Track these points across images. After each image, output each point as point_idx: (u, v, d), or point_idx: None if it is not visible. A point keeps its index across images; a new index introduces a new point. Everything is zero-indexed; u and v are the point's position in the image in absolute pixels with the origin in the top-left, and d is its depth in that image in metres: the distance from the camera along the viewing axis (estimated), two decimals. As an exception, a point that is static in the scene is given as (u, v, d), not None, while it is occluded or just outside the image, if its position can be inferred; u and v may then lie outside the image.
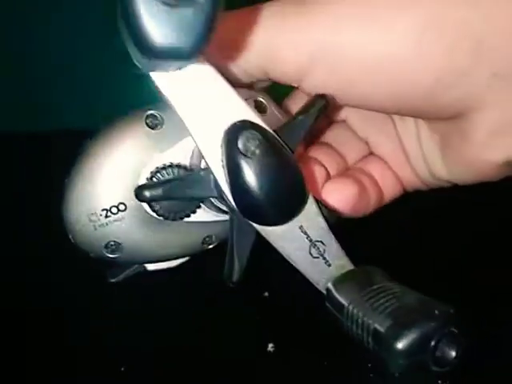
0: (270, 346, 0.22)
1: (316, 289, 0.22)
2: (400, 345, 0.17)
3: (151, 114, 0.22)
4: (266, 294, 0.25)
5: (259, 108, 0.24)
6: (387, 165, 0.27)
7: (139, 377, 0.21)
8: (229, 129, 0.19)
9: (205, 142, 0.20)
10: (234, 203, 0.20)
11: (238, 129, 0.19)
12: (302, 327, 0.23)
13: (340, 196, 0.24)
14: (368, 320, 0.19)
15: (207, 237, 0.24)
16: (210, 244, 0.25)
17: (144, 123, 0.22)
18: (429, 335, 0.18)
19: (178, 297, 0.27)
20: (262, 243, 0.21)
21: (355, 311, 0.20)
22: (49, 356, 0.23)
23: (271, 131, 0.20)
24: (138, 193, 0.20)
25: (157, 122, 0.22)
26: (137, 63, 0.17)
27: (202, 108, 0.19)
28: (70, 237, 0.23)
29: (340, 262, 0.22)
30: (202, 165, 0.22)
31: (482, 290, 0.25)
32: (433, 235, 0.30)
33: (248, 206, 0.20)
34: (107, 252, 0.23)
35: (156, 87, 0.19)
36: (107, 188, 0.22)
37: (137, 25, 0.13)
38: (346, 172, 0.26)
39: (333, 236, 0.22)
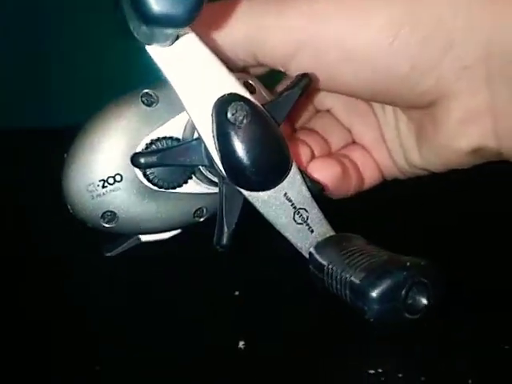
0: (241, 344, 0.22)
1: (286, 286, 0.23)
2: (374, 292, 0.19)
3: (146, 93, 0.24)
4: (237, 293, 0.26)
5: (248, 89, 0.26)
6: (368, 153, 0.28)
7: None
8: (219, 100, 0.21)
9: (196, 112, 0.21)
10: (223, 170, 0.22)
11: (227, 100, 0.21)
12: (273, 325, 0.24)
13: (324, 173, 0.26)
14: (345, 275, 0.20)
15: (198, 209, 0.26)
16: (201, 217, 0.26)
17: (140, 101, 0.24)
18: (400, 284, 0.19)
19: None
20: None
21: (334, 269, 0.21)
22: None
23: (258, 104, 0.22)
24: (134, 159, 0.22)
25: (152, 100, 0.24)
26: (136, 36, 0.19)
27: (194, 81, 0.21)
28: (69, 207, 0.25)
29: (322, 228, 0.24)
30: (195, 136, 0.23)
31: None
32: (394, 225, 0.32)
33: (236, 173, 0.22)
34: (103, 222, 0.24)
35: (152, 61, 0.21)
36: (105, 159, 0.24)
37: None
38: (329, 154, 0.28)
39: (315, 204, 0.24)
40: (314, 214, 0.23)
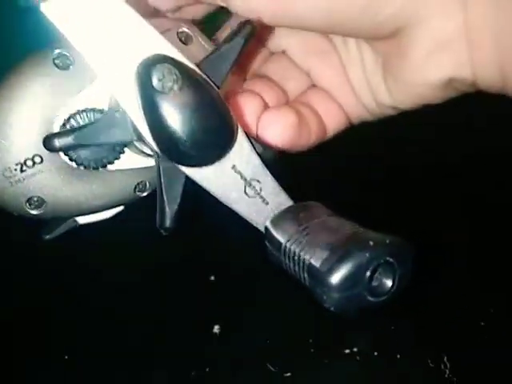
0: (216, 328, 0.23)
1: (261, 270, 0.22)
2: (334, 279, 0.17)
3: (60, 53, 0.20)
4: (213, 277, 0.26)
5: (183, 39, 0.22)
6: (331, 96, 0.25)
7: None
8: (141, 64, 0.18)
9: (116, 81, 0.18)
10: (154, 145, 0.18)
11: (151, 64, 0.18)
12: (247, 310, 0.24)
13: (277, 127, 0.23)
14: (304, 255, 0.18)
15: (139, 183, 0.23)
16: (143, 191, 0.23)
17: (52, 64, 0.20)
18: (363, 267, 0.17)
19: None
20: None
21: (292, 248, 0.19)
22: None
23: (190, 64, 0.19)
24: (47, 142, 0.19)
25: (67, 61, 0.20)
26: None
27: (108, 43, 0.18)
28: None
29: (278, 198, 0.21)
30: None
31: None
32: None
33: (170, 148, 0.18)
34: (30, 209, 0.22)
35: (50, 22, 0.17)
36: (18, 140, 0.20)
37: None
38: (285, 104, 0.25)
39: (268, 173, 0.21)
40: (268, 184, 0.21)
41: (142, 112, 0.18)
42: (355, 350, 0.22)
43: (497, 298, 0.27)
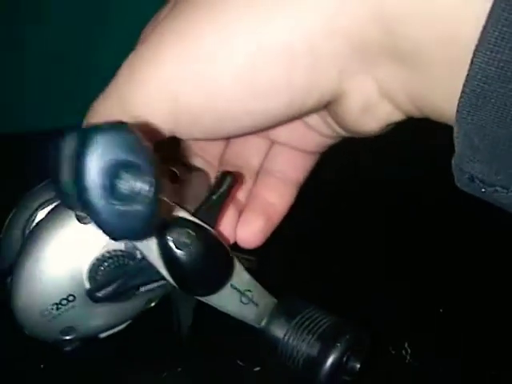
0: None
1: None
2: (328, 364, 0.24)
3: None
4: None
5: (171, 179, 0.27)
6: (292, 146, 0.27)
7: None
8: (160, 227, 0.23)
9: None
10: (174, 284, 0.24)
11: (168, 225, 0.23)
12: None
13: (250, 237, 0.28)
14: (301, 347, 0.25)
15: (149, 299, 0.28)
16: (151, 303, 0.28)
17: (75, 218, 0.24)
18: (344, 353, 0.24)
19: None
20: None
21: (290, 341, 0.25)
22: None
23: (199, 222, 0.24)
24: (93, 296, 0.23)
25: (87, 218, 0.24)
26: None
27: None
28: (25, 331, 0.25)
29: (265, 300, 0.27)
30: (138, 254, 0.25)
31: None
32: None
33: (187, 286, 0.24)
34: (63, 335, 0.26)
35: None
36: (53, 285, 0.24)
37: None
38: (250, 206, 0.29)
39: (256, 282, 0.27)
40: (257, 290, 0.27)
41: (163, 263, 0.23)
42: None
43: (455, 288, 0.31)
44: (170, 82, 0.20)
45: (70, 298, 0.25)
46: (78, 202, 0.16)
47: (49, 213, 0.25)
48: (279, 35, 0.18)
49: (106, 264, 0.25)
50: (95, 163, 0.16)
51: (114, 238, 0.18)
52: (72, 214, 0.24)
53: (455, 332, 0.29)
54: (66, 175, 0.17)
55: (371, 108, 0.21)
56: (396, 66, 0.18)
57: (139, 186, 0.17)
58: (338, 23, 0.18)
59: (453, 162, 0.18)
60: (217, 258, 0.24)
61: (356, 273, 0.33)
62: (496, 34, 0.15)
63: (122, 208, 0.16)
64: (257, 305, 0.27)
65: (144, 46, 0.21)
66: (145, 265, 0.24)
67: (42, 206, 0.26)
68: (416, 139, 0.39)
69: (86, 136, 0.16)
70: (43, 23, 0.50)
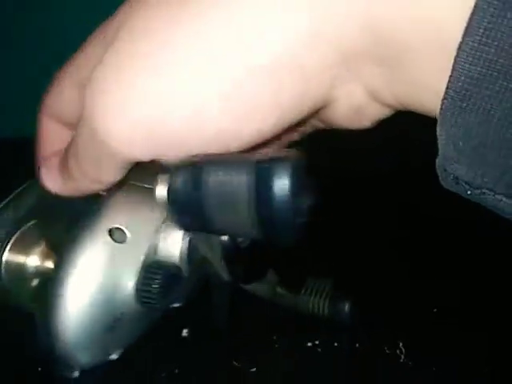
0: (185, 332, 0.26)
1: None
2: None
3: (116, 228, 0.23)
4: None
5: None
6: None
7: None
8: None
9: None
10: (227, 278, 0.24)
11: None
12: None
13: None
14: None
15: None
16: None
17: (109, 238, 0.23)
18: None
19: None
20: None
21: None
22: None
23: None
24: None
25: (123, 235, 0.24)
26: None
27: None
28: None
29: None
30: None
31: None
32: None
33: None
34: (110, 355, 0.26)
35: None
36: (105, 309, 0.24)
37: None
38: None
39: None
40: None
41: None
42: (317, 342, 0.26)
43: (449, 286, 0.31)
44: (145, 113, 0.18)
45: (120, 316, 0.24)
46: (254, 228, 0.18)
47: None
48: (267, 54, 0.17)
49: (150, 275, 0.24)
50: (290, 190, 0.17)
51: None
52: (103, 237, 0.23)
53: (449, 332, 0.30)
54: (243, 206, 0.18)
55: (361, 109, 0.20)
56: (382, 68, 0.18)
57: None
58: (325, 34, 0.17)
59: (437, 162, 0.18)
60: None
61: (352, 273, 0.33)
62: (481, 31, 0.14)
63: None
64: None
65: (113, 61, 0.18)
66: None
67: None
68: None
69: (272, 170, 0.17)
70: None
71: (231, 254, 0.22)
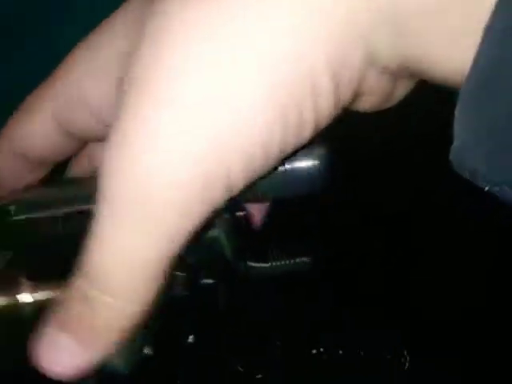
0: (191, 338, 0.25)
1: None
2: None
3: None
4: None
5: None
6: None
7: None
8: None
9: None
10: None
11: None
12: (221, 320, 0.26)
13: None
14: None
15: None
16: None
17: None
18: None
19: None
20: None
21: None
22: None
23: None
24: None
25: None
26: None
27: None
28: None
29: None
30: None
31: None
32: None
33: None
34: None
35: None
36: None
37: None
38: None
39: None
40: None
41: None
42: (321, 349, 0.25)
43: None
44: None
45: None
46: None
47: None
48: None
49: None
50: None
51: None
52: None
53: (454, 340, 0.30)
54: None
55: (382, 94, 0.16)
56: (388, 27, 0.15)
57: None
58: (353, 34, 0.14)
59: (451, 150, 0.14)
60: None
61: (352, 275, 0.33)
62: None
63: None
64: None
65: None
66: None
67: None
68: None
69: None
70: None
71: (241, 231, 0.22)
